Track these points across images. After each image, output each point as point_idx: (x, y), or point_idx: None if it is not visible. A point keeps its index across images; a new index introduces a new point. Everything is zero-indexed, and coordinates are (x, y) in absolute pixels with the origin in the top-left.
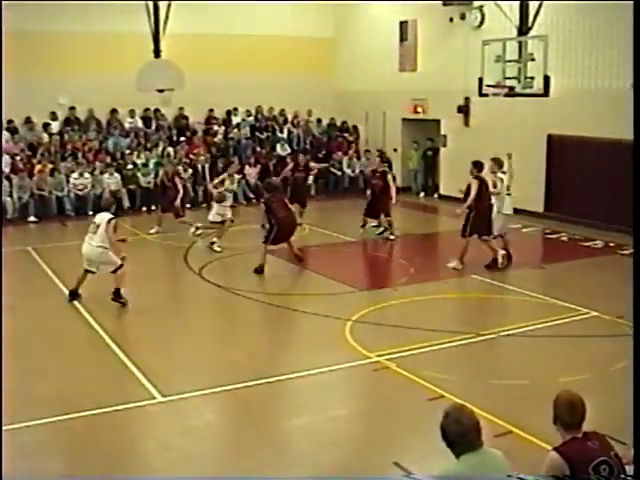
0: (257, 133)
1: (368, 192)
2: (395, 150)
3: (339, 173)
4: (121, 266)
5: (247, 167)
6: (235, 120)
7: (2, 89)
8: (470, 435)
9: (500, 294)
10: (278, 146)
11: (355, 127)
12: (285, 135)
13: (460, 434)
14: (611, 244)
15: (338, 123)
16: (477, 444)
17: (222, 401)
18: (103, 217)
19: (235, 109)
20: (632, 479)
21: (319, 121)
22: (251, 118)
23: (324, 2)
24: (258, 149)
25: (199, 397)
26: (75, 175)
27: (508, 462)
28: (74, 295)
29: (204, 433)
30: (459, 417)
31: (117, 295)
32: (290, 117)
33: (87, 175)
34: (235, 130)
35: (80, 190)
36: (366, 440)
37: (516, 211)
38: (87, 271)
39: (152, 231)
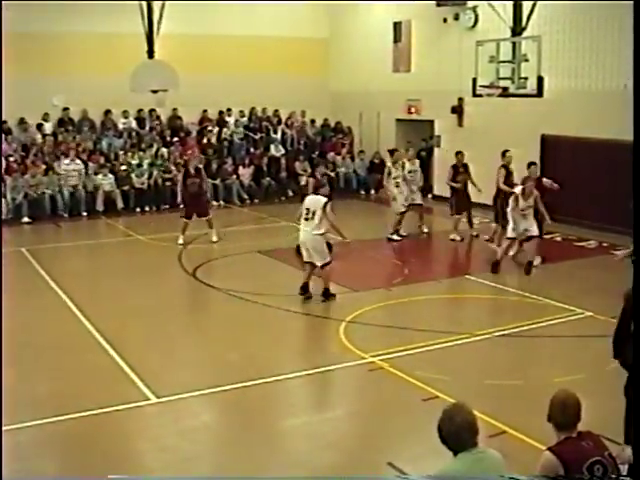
0: (251, 134)
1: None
2: (389, 151)
3: (332, 174)
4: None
5: (241, 168)
6: (229, 121)
7: (2, 89)
8: (462, 434)
9: (494, 294)
10: (272, 147)
11: (349, 128)
12: (279, 136)
13: (452, 432)
14: (605, 244)
15: (332, 124)
16: (470, 443)
17: (217, 402)
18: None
19: (229, 110)
20: (626, 479)
21: (313, 122)
22: (245, 119)
23: (318, 3)
24: (252, 150)
25: (194, 398)
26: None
27: (505, 462)
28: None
29: (199, 434)
30: (453, 415)
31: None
32: (284, 118)
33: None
34: (229, 130)
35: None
36: (361, 440)
37: None
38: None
39: (180, 242)
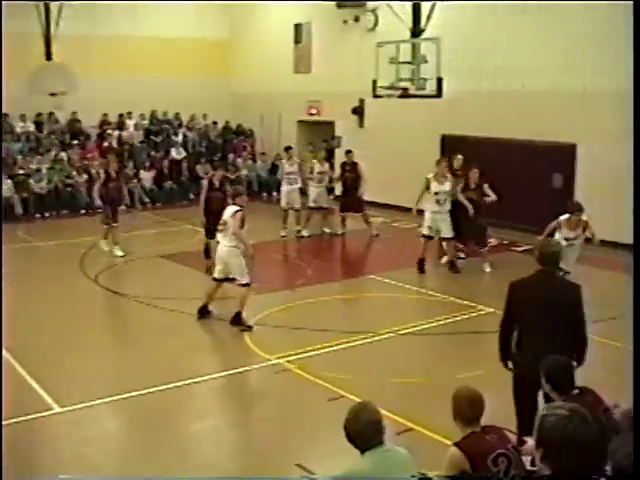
0: (152, 137)
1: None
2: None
3: (232, 177)
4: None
5: (142, 171)
6: (129, 124)
7: (2, 89)
8: (368, 432)
9: (398, 293)
10: (173, 150)
11: (251, 130)
12: (180, 138)
13: (357, 430)
14: (505, 242)
15: (234, 126)
16: (376, 442)
17: (124, 408)
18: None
19: (129, 113)
20: (531, 470)
21: (215, 123)
22: (146, 122)
23: (219, 3)
24: (153, 153)
25: (100, 405)
26: None
27: (412, 459)
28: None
29: (107, 442)
30: (358, 414)
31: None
32: (185, 120)
33: None
34: (129, 133)
35: None
36: (269, 442)
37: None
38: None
39: (106, 248)
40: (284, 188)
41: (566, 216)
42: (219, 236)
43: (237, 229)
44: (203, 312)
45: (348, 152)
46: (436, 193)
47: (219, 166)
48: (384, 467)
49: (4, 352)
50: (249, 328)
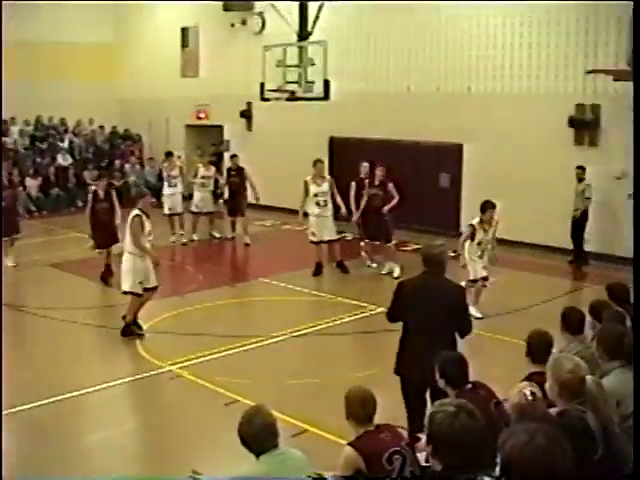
0: (37, 143)
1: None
2: (179, 157)
3: (119, 183)
4: None
5: (27, 179)
6: (14, 130)
7: (2, 91)
8: (262, 436)
9: (290, 296)
10: (59, 156)
11: (138, 135)
12: (66, 144)
13: (251, 434)
14: (394, 241)
15: (121, 131)
16: (270, 444)
17: (13, 423)
18: None
19: (13, 118)
20: (425, 466)
21: (101, 128)
22: (30, 127)
23: (105, 5)
24: (38, 160)
25: None
26: None
27: (307, 461)
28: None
29: None
30: (252, 418)
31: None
32: (71, 126)
33: None
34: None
35: None
36: (164, 450)
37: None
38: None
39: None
40: (165, 191)
41: (477, 219)
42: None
43: (133, 235)
44: (127, 331)
45: (233, 157)
46: (315, 195)
47: (102, 176)
48: (279, 470)
49: None
50: (140, 336)
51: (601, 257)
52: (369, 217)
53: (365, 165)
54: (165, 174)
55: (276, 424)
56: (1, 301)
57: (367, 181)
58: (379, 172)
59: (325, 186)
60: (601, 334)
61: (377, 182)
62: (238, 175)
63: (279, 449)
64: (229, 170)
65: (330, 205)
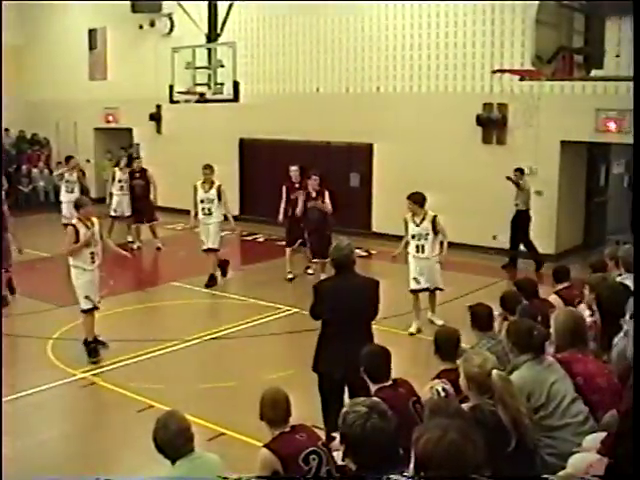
0: None
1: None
2: (88, 161)
3: (26, 189)
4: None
5: None
6: None
7: (2, 95)
8: (177, 440)
9: (202, 299)
10: None
11: (46, 139)
12: None
13: (166, 440)
14: None
15: (28, 135)
16: (186, 449)
17: None
18: None
19: None
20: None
21: (7, 130)
22: None
23: (9, 3)
24: None
25: None
26: None
27: (224, 464)
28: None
29: None
30: (166, 423)
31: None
32: None
33: None
34: None
35: None
36: (79, 460)
37: None
38: None
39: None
40: (63, 197)
41: (409, 214)
42: None
43: (66, 247)
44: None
45: (136, 159)
46: (201, 201)
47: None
48: (194, 473)
49: None
50: (104, 345)
51: (511, 253)
52: (314, 234)
53: (294, 169)
54: (64, 179)
55: (191, 428)
56: (1, 301)
57: (300, 189)
58: (313, 182)
59: (212, 193)
60: (511, 328)
61: (314, 193)
62: (142, 177)
63: (195, 453)
64: (132, 173)
65: (217, 213)
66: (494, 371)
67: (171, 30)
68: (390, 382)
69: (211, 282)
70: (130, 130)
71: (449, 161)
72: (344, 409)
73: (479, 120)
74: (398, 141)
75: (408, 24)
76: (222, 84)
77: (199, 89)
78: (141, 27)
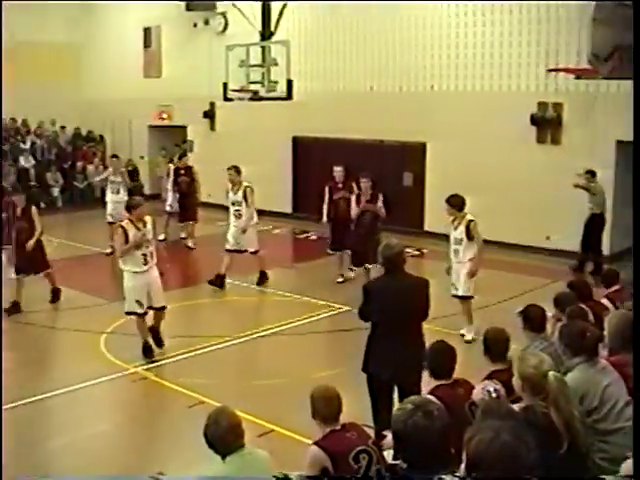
0: None
1: None
2: (142, 157)
3: (81, 186)
4: None
5: None
6: None
7: (2, 93)
8: (228, 436)
9: (255, 296)
10: (21, 158)
11: (101, 136)
12: (28, 146)
13: (217, 436)
14: None
15: (84, 132)
16: (236, 445)
17: None
18: None
19: None
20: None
21: (63, 127)
22: None
23: (67, 4)
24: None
25: None
26: None
27: (273, 461)
28: None
29: None
30: (218, 419)
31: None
32: (33, 127)
33: None
34: None
35: None
36: (130, 452)
37: (265, 213)
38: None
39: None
40: (109, 198)
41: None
42: None
43: (117, 249)
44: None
45: (181, 156)
46: (232, 203)
47: (16, 189)
48: (245, 470)
49: None
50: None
51: (565, 254)
52: (363, 238)
53: (338, 170)
54: (108, 180)
55: (242, 425)
56: (1, 301)
57: (343, 189)
58: (365, 184)
59: (239, 195)
60: (563, 330)
61: (368, 197)
62: (187, 174)
63: (245, 449)
64: (177, 169)
65: (246, 214)
66: (550, 372)
67: (225, 28)
68: (450, 381)
69: (262, 279)
70: (184, 127)
71: (502, 160)
72: (396, 406)
73: (533, 119)
74: (452, 140)
75: (462, 22)
76: (276, 82)
77: (253, 87)
78: (195, 25)
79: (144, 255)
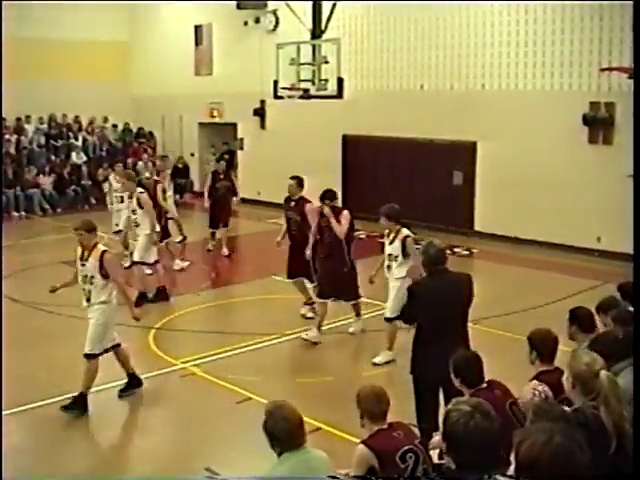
0: (51, 141)
1: None
2: (192, 155)
3: None
4: None
5: (41, 176)
6: (28, 128)
7: (2, 91)
8: (297, 432)
9: (300, 294)
10: (73, 154)
11: (151, 132)
12: (80, 142)
13: (287, 431)
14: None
15: (134, 129)
16: (300, 441)
17: (26, 420)
18: None
19: (28, 117)
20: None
21: (115, 126)
22: (45, 125)
23: (119, 4)
24: (53, 158)
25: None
26: None
27: (330, 461)
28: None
29: (14, 456)
30: (285, 414)
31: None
32: (85, 123)
33: None
34: (27, 138)
35: None
36: (178, 448)
37: None
38: None
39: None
40: (113, 207)
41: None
42: None
43: (113, 277)
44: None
45: (219, 160)
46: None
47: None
48: (302, 469)
49: None
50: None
51: (616, 255)
52: None
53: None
54: (112, 187)
55: (303, 420)
56: (1, 299)
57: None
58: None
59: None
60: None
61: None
62: (226, 178)
63: (304, 448)
64: (215, 173)
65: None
66: (602, 371)
67: (276, 26)
68: (485, 385)
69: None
70: (234, 125)
71: (553, 160)
72: (448, 407)
73: (585, 119)
74: (502, 139)
75: (514, 20)
76: (326, 80)
77: (303, 85)
78: (246, 23)
79: (83, 290)
